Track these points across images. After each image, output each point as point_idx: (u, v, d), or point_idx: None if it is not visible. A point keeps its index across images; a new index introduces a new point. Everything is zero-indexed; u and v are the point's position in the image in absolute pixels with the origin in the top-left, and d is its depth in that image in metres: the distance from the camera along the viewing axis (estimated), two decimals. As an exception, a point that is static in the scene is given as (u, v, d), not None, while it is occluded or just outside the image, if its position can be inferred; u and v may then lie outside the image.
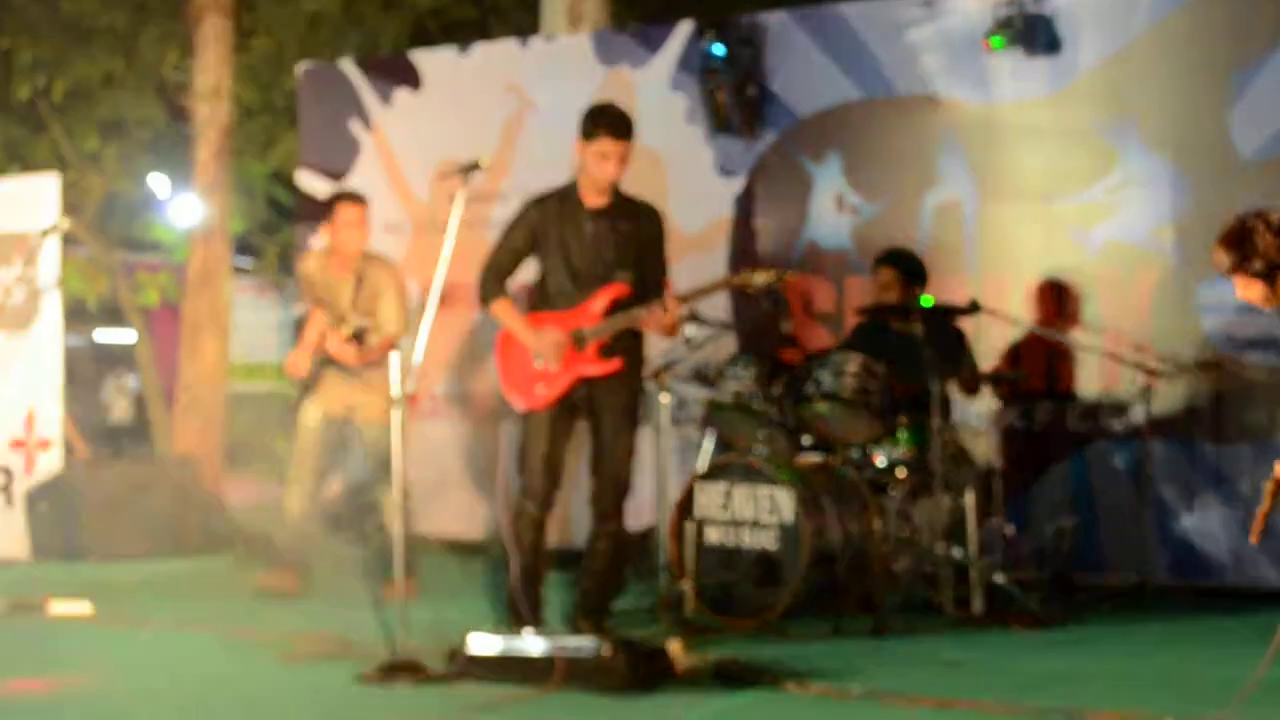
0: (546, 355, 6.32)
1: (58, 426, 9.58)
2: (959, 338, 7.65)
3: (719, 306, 8.44)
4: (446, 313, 7.31)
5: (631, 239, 6.42)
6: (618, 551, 6.52)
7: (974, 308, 7.29)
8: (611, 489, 6.43)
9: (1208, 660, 6.16)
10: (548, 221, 6.42)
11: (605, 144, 6.30)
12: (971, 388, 7.51)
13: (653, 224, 6.50)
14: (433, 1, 13.75)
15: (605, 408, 6.40)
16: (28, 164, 13.33)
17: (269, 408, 15.14)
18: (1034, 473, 7.95)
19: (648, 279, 6.43)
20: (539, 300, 6.48)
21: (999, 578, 7.02)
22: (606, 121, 6.34)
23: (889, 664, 6.06)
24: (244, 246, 16.14)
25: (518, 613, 6.32)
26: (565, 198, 6.45)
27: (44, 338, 9.66)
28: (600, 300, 6.36)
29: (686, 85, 8.91)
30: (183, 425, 11.37)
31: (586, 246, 6.38)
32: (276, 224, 15.49)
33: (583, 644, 5.56)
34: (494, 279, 6.47)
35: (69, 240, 11.54)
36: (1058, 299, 7.96)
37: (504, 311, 6.45)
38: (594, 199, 6.41)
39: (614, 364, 6.36)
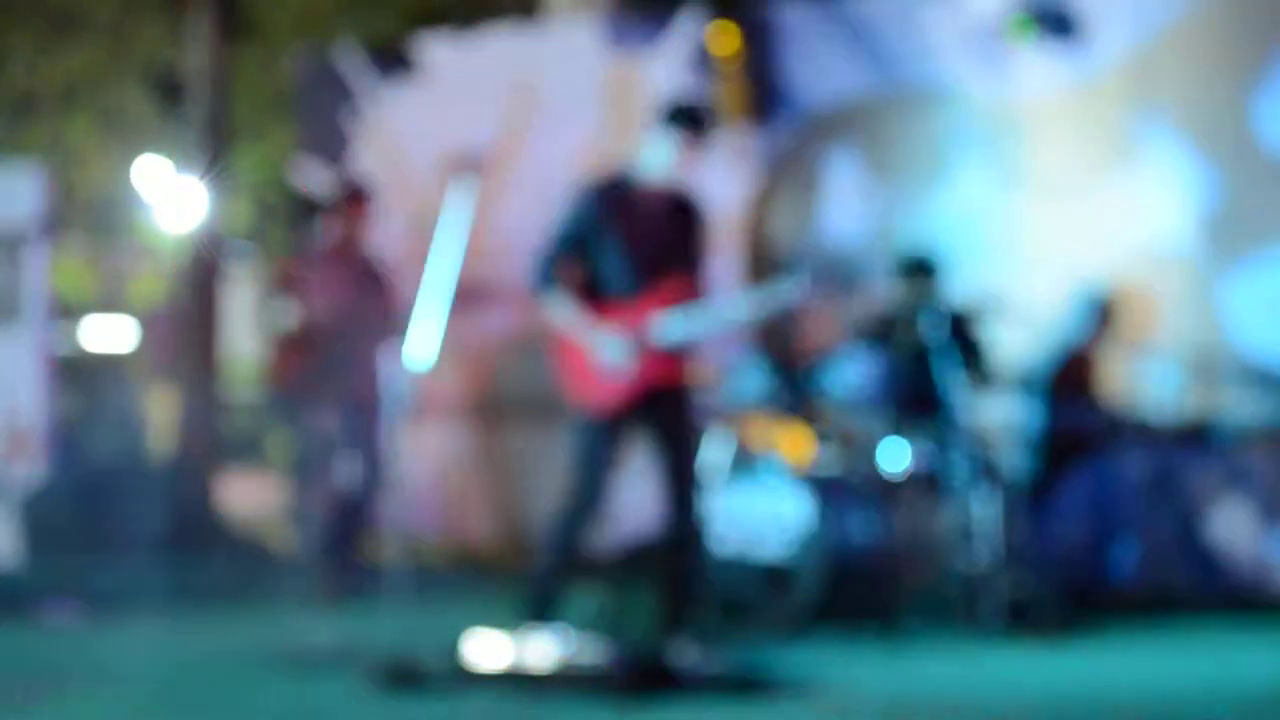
0: (620, 357, 6.23)
1: (45, 426, 9.68)
2: (973, 338, 7.72)
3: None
4: (455, 311, 7.36)
5: (685, 231, 6.41)
6: (698, 556, 6.42)
7: (992, 308, 7.35)
8: (689, 491, 6.31)
9: (1233, 673, 6.17)
10: (606, 208, 6.34)
11: (698, 142, 6.30)
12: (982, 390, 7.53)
13: (699, 217, 6.49)
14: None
15: (670, 404, 6.32)
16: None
17: (261, 410, 15.22)
18: (1055, 479, 7.99)
19: (699, 274, 6.41)
20: (591, 292, 6.37)
21: (1019, 587, 7.05)
22: (704, 121, 6.35)
23: (904, 675, 6.08)
24: (237, 243, 16.19)
25: (538, 614, 6.21)
26: (624, 184, 6.39)
27: (29, 335, 9.76)
28: (666, 296, 6.29)
29: (697, 75, 8.91)
30: (176, 428, 11.47)
31: (646, 236, 6.32)
32: (270, 219, 15.56)
33: (588, 651, 5.61)
34: (546, 269, 6.35)
35: (58, 235, 11.63)
36: (1080, 299, 7.99)
37: (562, 306, 6.34)
38: (656, 188, 6.37)
39: (700, 370, 6.36)
